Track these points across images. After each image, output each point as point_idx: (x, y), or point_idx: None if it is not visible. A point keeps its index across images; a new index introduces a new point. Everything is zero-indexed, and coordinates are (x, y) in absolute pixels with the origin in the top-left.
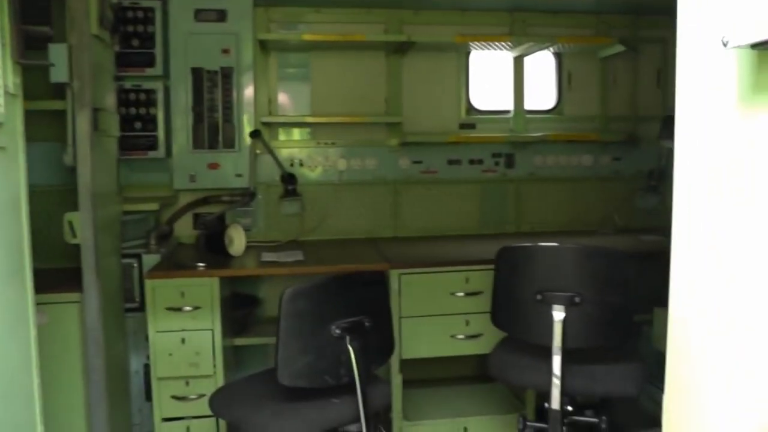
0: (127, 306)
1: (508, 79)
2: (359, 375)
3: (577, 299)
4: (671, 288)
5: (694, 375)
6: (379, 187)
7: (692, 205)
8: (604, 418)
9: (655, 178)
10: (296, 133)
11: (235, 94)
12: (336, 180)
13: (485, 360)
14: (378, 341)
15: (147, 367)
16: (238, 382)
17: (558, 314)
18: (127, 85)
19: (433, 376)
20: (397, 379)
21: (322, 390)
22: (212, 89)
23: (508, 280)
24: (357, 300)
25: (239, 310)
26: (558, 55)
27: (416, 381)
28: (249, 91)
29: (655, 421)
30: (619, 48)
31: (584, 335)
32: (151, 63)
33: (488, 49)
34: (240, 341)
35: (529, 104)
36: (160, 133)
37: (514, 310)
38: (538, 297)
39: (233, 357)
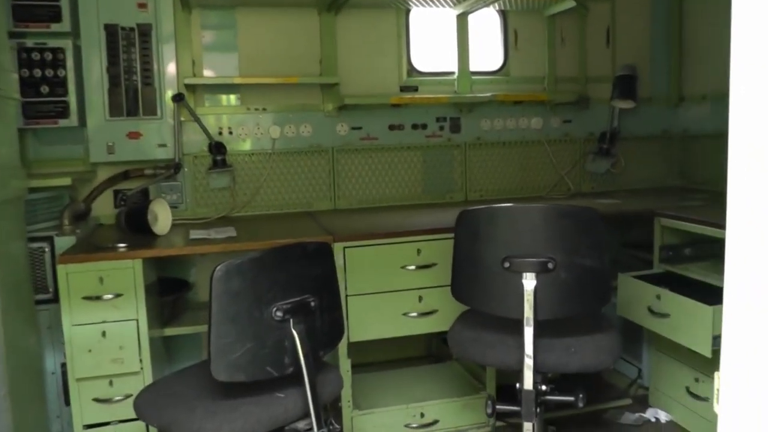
0: (39, 297)
1: (451, 39)
2: (306, 363)
3: (550, 265)
4: (727, 273)
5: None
6: (315, 155)
7: (751, 186)
8: (581, 395)
9: (606, 141)
10: (224, 99)
11: (155, 54)
12: (269, 149)
13: (438, 338)
14: (326, 323)
15: (65, 367)
16: (168, 378)
17: (529, 283)
18: (29, 43)
19: (380, 359)
20: (345, 365)
21: (264, 383)
22: (129, 48)
23: (469, 247)
24: (300, 277)
25: (167, 295)
26: (503, 13)
27: (363, 365)
28: (170, 51)
29: (621, 393)
30: (569, 4)
31: (558, 305)
32: (56, 17)
33: (429, 6)
34: (170, 331)
35: (474, 65)
36: (72, 98)
37: (477, 280)
38: (506, 264)
39: (164, 350)
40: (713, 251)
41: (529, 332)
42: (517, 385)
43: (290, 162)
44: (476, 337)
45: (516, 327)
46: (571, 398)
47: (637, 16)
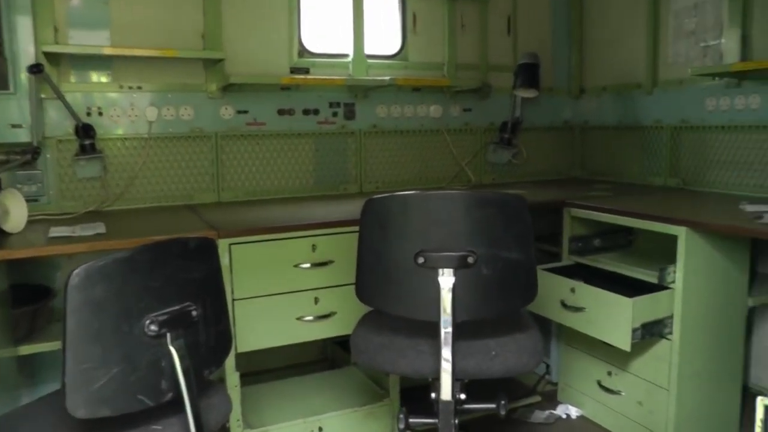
0: None
1: (346, 19)
2: (188, 386)
3: (470, 259)
4: None
5: None
6: (197, 142)
7: None
8: (503, 402)
9: (508, 131)
10: (93, 75)
11: (4, 14)
12: (145, 133)
13: (333, 341)
14: (211, 336)
15: None
16: (13, 415)
17: (446, 280)
18: None
19: (271, 366)
20: (233, 380)
21: (136, 415)
22: None
23: (377, 241)
24: (179, 281)
25: (24, 306)
26: None
27: (252, 374)
28: (25, 14)
29: (529, 390)
30: None
31: (479, 304)
32: None
33: None
34: (27, 349)
35: (370, 49)
36: None
37: (386, 278)
38: (419, 260)
39: (17, 373)
40: (620, 241)
41: (446, 336)
42: (432, 394)
43: (169, 149)
44: (385, 342)
45: (430, 330)
46: (493, 405)
47: (538, 7)
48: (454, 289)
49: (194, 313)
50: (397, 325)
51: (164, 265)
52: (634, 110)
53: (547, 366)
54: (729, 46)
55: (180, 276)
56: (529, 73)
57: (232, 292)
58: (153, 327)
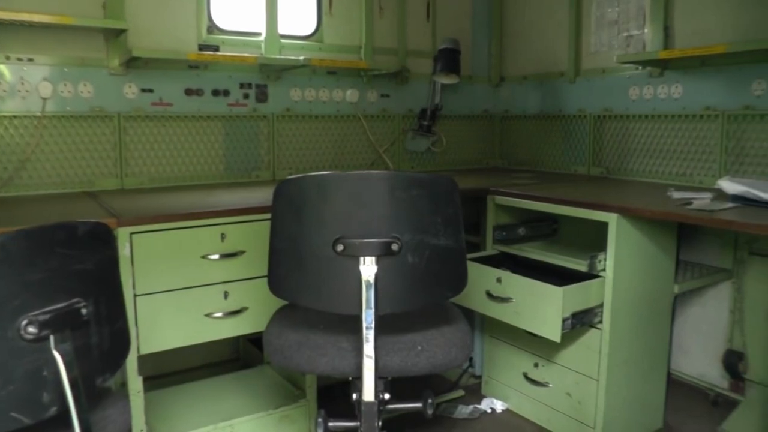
0: None
1: None
2: (76, 398)
3: (394, 246)
4: None
5: None
6: (98, 122)
7: None
8: (429, 401)
9: (427, 118)
10: None
11: None
12: (38, 111)
13: (246, 338)
14: (105, 337)
15: None
16: None
17: (368, 269)
18: None
19: (178, 367)
20: (135, 385)
21: None
22: None
23: (292, 227)
24: (65, 273)
25: None
26: None
27: (157, 377)
28: None
29: (451, 385)
30: None
31: (405, 294)
32: None
33: None
34: None
35: (284, 29)
36: None
37: (302, 269)
38: (338, 247)
39: None
40: (545, 230)
41: (369, 331)
42: (354, 395)
43: (66, 129)
44: (301, 340)
45: (351, 324)
46: (419, 404)
47: None
48: (377, 280)
49: (84, 311)
50: (315, 320)
51: (47, 255)
52: (556, 99)
53: (470, 359)
54: (652, 36)
55: (67, 268)
56: (449, 59)
57: (134, 287)
58: (31, 329)
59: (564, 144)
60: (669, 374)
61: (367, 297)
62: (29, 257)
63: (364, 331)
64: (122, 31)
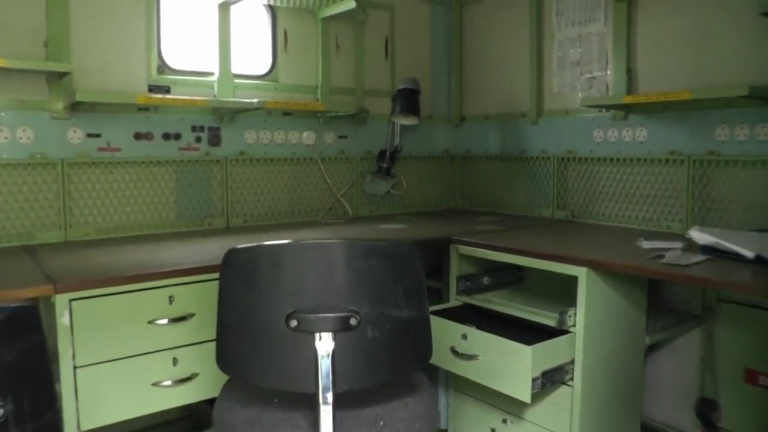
0: None
1: (210, 34)
2: None
3: (352, 321)
4: None
5: None
6: (39, 170)
7: None
8: None
9: (386, 160)
10: None
11: None
12: None
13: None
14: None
15: None
16: None
17: (324, 345)
18: None
19: (129, 429)
20: None
21: None
22: None
23: (241, 300)
24: None
25: None
26: (272, 9)
27: None
28: None
29: None
30: (346, 5)
31: (365, 371)
32: None
33: None
34: None
35: (237, 68)
36: None
37: (253, 345)
38: (292, 323)
39: None
40: (510, 279)
41: (326, 410)
42: None
43: (2, 179)
44: (254, 417)
45: (308, 400)
46: None
47: (417, 30)
48: (334, 356)
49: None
50: (268, 394)
51: None
52: (518, 140)
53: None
54: (615, 77)
55: None
56: (408, 100)
57: (74, 358)
58: None
59: (527, 186)
60: (641, 422)
61: (324, 374)
62: None
63: (322, 411)
64: (66, 73)
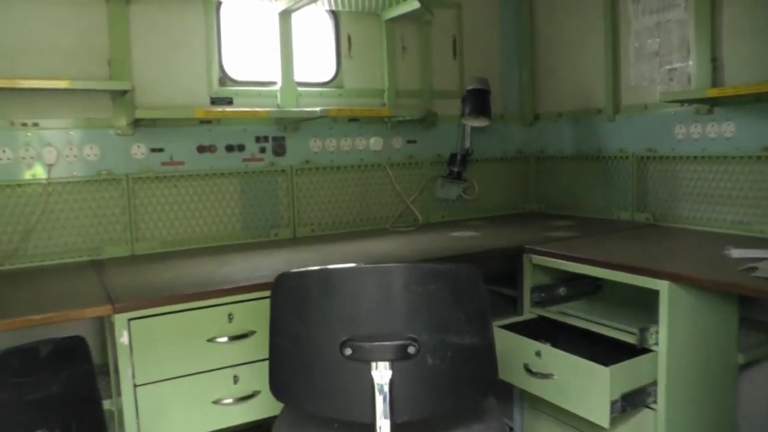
0: None
1: (273, 42)
2: None
3: (411, 349)
4: None
5: None
6: (105, 185)
7: None
8: None
9: (457, 164)
10: None
11: None
12: (43, 178)
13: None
14: None
15: None
16: None
17: (381, 374)
18: None
19: None
20: None
21: None
22: None
23: (294, 327)
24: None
25: None
26: (334, 14)
27: None
28: None
29: None
30: (410, 6)
31: (424, 400)
32: None
33: None
34: None
35: (301, 76)
36: None
37: (306, 373)
38: (346, 351)
39: None
40: (588, 288)
41: None
42: None
43: (72, 195)
44: None
45: (367, 428)
46: None
47: (485, 26)
48: (392, 385)
49: None
50: (328, 420)
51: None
52: (594, 138)
53: (511, 429)
54: (698, 68)
55: (24, 398)
56: (478, 100)
57: (133, 377)
58: None
59: (605, 187)
60: None
61: (381, 405)
62: None
63: None
64: (128, 91)
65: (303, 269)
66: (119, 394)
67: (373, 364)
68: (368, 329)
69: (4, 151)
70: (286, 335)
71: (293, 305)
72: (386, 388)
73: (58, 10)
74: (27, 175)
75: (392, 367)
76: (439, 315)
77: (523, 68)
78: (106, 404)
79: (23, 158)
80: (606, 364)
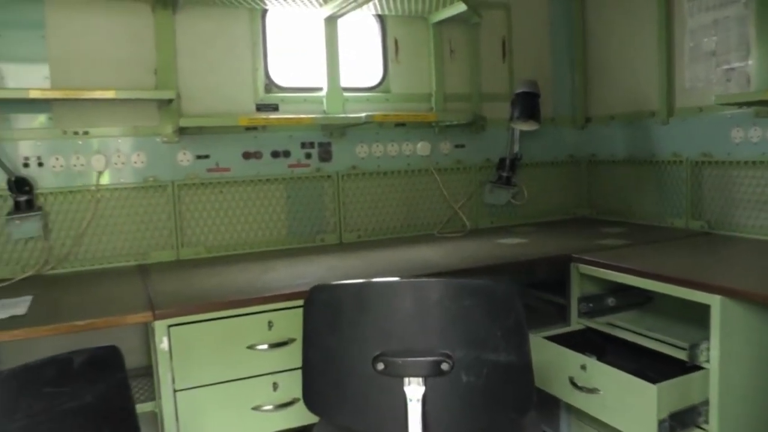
0: None
1: (319, 48)
2: None
3: (444, 366)
4: None
5: None
6: (151, 192)
7: None
8: None
9: (506, 168)
10: (28, 119)
11: None
12: (92, 185)
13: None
14: None
15: None
16: None
17: (414, 390)
18: None
19: None
20: None
21: None
22: None
23: (326, 339)
24: (56, 414)
25: None
26: (381, 19)
27: None
28: None
29: None
30: (457, 8)
31: (459, 418)
32: None
33: (289, 4)
34: None
35: (347, 81)
36: None
37: (339, 385)
38: (379, 366)
39: None
40: (638, 299)
41: None
42: None
43: (120, 201)
44: None
45: None
46: None
47: (535, 27)
48: (425, 402)
49: None
50: None
51: (31, 398)
52: (647, 142)
53: None
54: (758, 68)
55: (60, 407)
56: (527, 104)
57: (173, 382)
58: None
59: (658, 193)
60: None
61: (414, 421)
62: (8, 405)
63: None
64: (172, 99)
65: (337, 282)
66: (161, 397)
67: (406, 380)
68: (401, 344)
69: (57, 159)
70: (319, 348)
71: (327, 318)
72: (419, 405)
73: (108, 23)
74: (78, 182)
75: (425, 384)
76: (474, 331)
77: (575, 70)
78: (150, 406)
79: (74, 165)
80: (654, 380)
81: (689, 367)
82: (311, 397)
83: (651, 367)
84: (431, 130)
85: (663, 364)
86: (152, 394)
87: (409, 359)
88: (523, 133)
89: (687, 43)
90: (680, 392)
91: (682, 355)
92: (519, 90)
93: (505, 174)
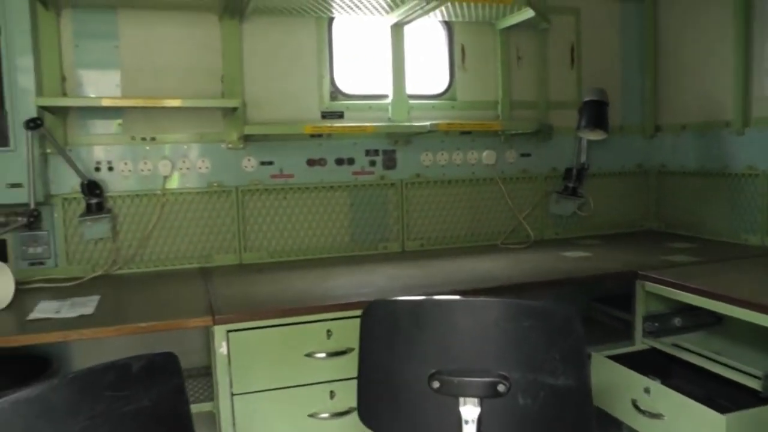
0: None
1: (385, 55)
2: None
3: (501, 387)
4: None
5: None
6: (216, 197)
7: None
8: None
9: (573, 179)
10: (101, 125)
11: (5, 62)
12: (158, 189)
13: None
14: None
15: None
16: None
17: (469, 411)
18: None
19: None
20: None
21: None
22: None
23: (381, 355)
24: (114, 417)
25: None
26: (447, 25)
27: None
28: (26, 63)
29: None
30: (525, 15)
31: None
32: None
33: (356, 12)
34: None
35: (413, 88)
36: None
37: (394, 402)
38: (434, 384)
39: None
40: (707, 320)
41: None
42: None
43: (185, 205)
44: None
45: None
46: None
47: (605, 33)
48: (480, 423)
49: None
50: None
51: (92, 401)
52: (721, 153)
53: None
54: None
55: (116, 411)
56: (595, 112)
57: (231, 386)
58: None
59: (731, 207)
60: None
61: None
62: (70, 407)
63: None
64: (240, 108)
65: (393, 299)
66: (219, 399)
67: (461, 400)
68: (458, 363)
69: (126, 164)
70: (375, 362)
71: (383, 333)
72: (473, 426)
73: (176, 33)
74: (145, 186)
75: (481, 404)
76: (531, 353)
77: (645, 76)
78: (209, 406)
79: (142, 170)
80: (723, 409)
81: (762, 398)
82: (365, 410)
83: (719, 393)
84: (497, 138)
85: (732, 391)
86: (212, 395)
87: (465, 379)
88: (590, 143)
89: (766, 48)
90: (752, 425)
91: (755, 384)
92: (587, 98)
93: (571, 184)
